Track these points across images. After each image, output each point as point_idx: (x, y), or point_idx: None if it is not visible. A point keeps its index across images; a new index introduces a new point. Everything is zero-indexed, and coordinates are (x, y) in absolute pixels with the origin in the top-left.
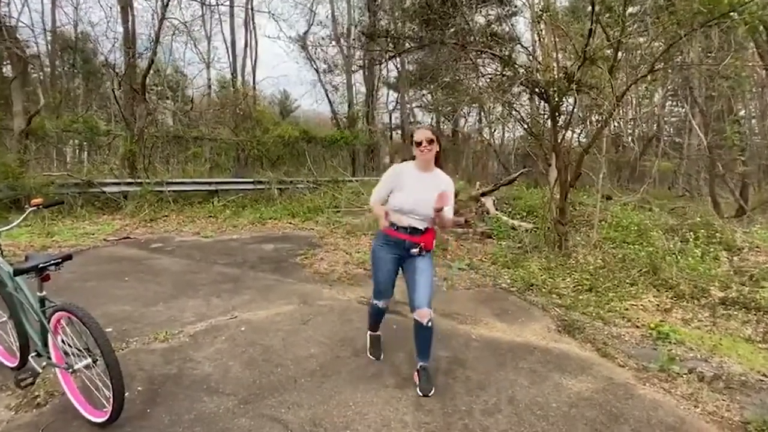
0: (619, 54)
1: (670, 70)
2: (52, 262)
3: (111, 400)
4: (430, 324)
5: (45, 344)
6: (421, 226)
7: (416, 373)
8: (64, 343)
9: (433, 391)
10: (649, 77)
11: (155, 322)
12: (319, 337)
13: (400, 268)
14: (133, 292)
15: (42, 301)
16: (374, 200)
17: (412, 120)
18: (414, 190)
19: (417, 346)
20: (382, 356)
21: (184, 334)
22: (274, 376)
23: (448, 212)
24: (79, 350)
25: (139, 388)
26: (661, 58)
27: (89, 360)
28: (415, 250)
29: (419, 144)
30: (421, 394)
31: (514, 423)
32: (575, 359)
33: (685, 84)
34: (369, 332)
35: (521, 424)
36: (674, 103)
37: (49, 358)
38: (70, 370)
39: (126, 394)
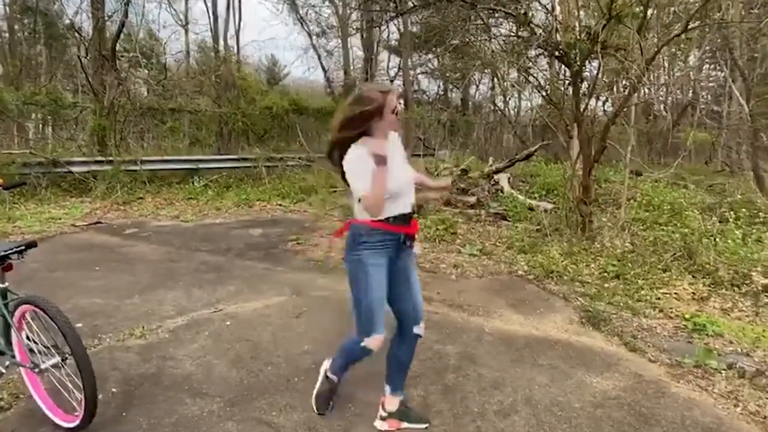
0: (650, 11)
1: (707, 29)
2: (15, 249)
3: (82, 402)
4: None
5: (8, 341)
6: (409, 209)
7: (389, 420)
8: (30, 340)
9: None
10: (683, 37)
11: (131, 316)
12: (314, 332)
13: None
14: (106, 283)
15: (4, 293)
16: (370, 189)
17: (416, 88)
18: (394, 164)
19: (397, 373)
20: (332, 409)
21: (163, 330)
22: (263, 376)
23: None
24: (46, 348)
25: (113, 390)
26: (696, 15)
27: (58, 359)
28: (417, 249)
29: (396, 112)
30: (425, 426)
31: (532, 425)
32: (600, 354)
33: (725, 44)
34: (329, 373)
35: (540, 427)
36: (712, 66)
37: (13, 356)
38: (37, 369)
39: (99, 396)
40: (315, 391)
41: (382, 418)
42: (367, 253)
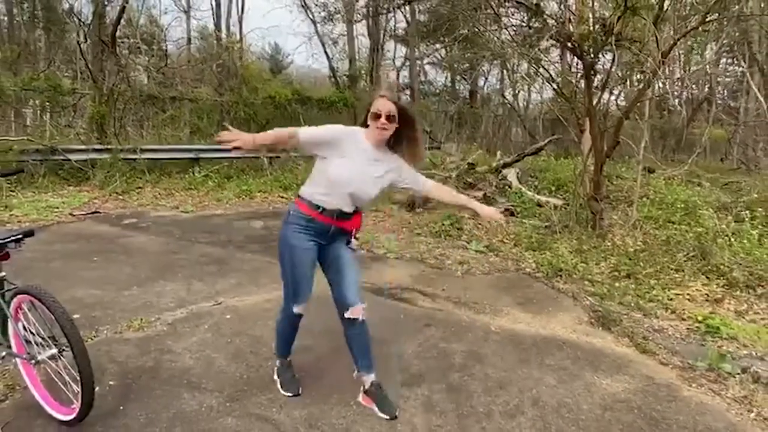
0: (666, 2)
1: (725, 22)
2: (12, 238)
3: (79, 395)
4: (365, 318)
5: (4, 332)
6: (349, 209)
7: (364, 396)
8: (26, 331)
9: (399, 411)
10: (700, 29)
11: (129, 308)
12: (316, 327)
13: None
14: (104, 274)
15: (0, 282)
16: (292, 129)
17: (422, 79)
18: (359, 164)
19: (357, 355)
20: (300, 390)
21: (162, 322)
22: (264, 371)
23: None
24: (43, 339)
25: (111, 383)
26: (714, 7)
27: (55, 350)
28: (353, 245)
29: (378, 116)
30: (387, 417)
31: (539, 427)
32: (610, 356)
33: (743, 38)
34: (278, 360)
35: (547, 429)
36: (729, 61)
37: (9, 347)
38: (33, 361)
39: (96, 388)
40: (278, 384)
41: (363, 391)
42: (292, 232)
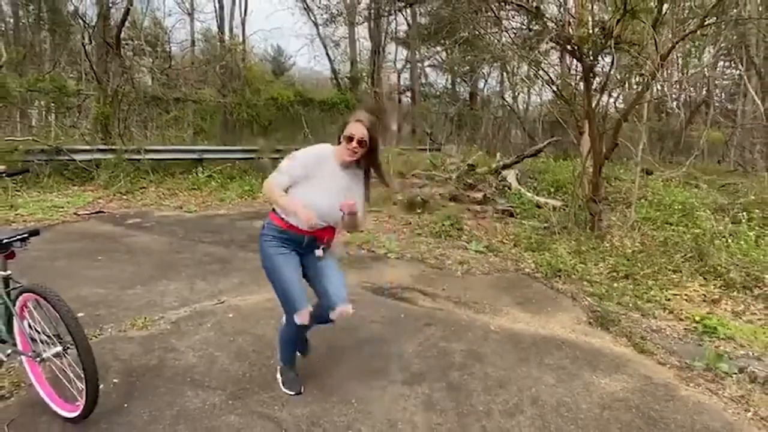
0: (665, 6)
1: (723, 26)
2: (18, 237)
3: (84, 392)
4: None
5: (10, 330)
6: (322, 225)
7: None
8: (31, 329)
9: (299, 391)
10: (698, 33)
11: (133, 306)
12: (319, 328)
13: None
14: (108, 273)
15: (6, 281)
16: (277, 183)
17: (423, 81)
18: (327, 183)
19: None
20: (303, 389)
21: (165, 321)
22: (266, 369)
23: (360, 217)
24: (48, 337)
25: (115, 380)
26: (713, 10)
27: (59, 348)
28: (319, 252)
29: (350, 140)
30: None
31: (538, 426)
32: (609, 355)
33: (741, 42)
34: (281, 366)
35: (546, 428)
36: (727, 64)
37: (15, 345)
38: (38, 358)
39: (100, 386)
40: (281, 383)
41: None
42: (269, 244)
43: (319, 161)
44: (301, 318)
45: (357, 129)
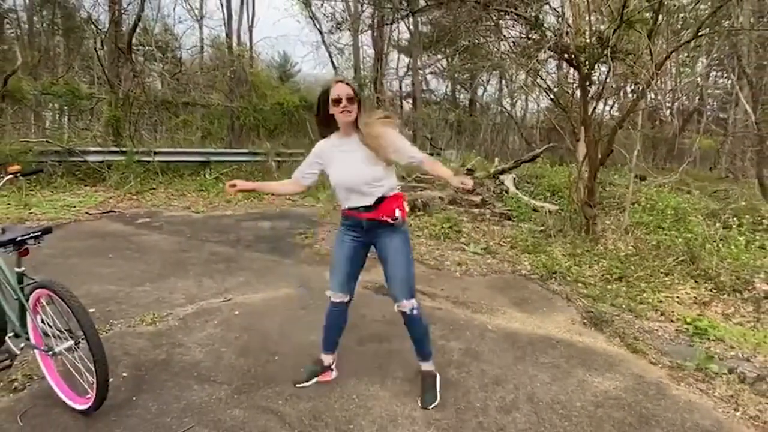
0: (660, 17)
1: (716, 36)
2: (32, 235)
3: (94, 386)
4: (415, 312)
5: (23, 324)
6: (369, 201)
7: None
8: (44, 324)
9: (435, 404)
10: (692, 44)
11: (142, 303)
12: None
13: (365, 257)
14: (118, 271)
15: (20, 277)
16: (297, 179)
17: (424, 88)
18: (340, 160)
19: (413, 343)
20: (312, 381)
21: (173, 317)
22: (270, 365)
23: (428, 160)
24: (60, 331)
25: (124, 374)
26: (706, 22)
27: (71, 342)
28: (397, 218)
29: (338, 102)
30: (419, 406)
31: (533, 422)
32: (602, 355)
33: (733, 52)
34: (323, 359)
35: (541, 424)
36: (719, 74)
37: (28, 339)
38: (51, 352)
39: (110, 379)
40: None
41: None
42: (339, 229)
43: (327, 146)
44: (331, 296)
45: (339, 89)
